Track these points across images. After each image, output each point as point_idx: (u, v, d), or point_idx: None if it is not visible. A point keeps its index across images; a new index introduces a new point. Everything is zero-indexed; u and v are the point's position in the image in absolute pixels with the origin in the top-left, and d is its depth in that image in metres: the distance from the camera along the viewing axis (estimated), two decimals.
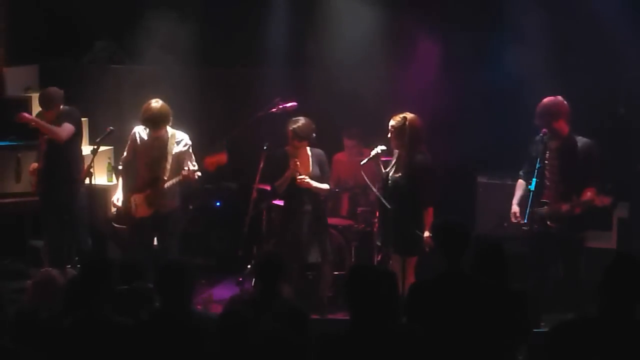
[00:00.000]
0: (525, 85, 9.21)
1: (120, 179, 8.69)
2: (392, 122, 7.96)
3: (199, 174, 8.35)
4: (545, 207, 7.89)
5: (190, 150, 8.44)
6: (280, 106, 8.85)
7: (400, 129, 7.91)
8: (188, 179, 8.27)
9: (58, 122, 8.77)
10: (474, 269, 5.76)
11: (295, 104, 8.88)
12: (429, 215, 7.91)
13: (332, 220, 9.37)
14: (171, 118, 8.35)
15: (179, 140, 8.42)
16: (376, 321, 4.91)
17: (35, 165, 8.99)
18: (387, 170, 8.08)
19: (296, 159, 8.45)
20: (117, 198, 8.52)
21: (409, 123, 7.89)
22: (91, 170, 8.46)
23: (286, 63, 10.29)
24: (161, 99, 8.43)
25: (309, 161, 8.61)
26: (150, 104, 8.29)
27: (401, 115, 7.94)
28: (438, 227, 5.75)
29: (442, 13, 9.92)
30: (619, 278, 4.56)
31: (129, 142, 8.57)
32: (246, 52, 10.54)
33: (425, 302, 5.53)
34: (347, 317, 5.12)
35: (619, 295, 4.55)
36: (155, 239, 8.65)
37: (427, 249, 7.83)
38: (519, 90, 9.26)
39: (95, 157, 8.44)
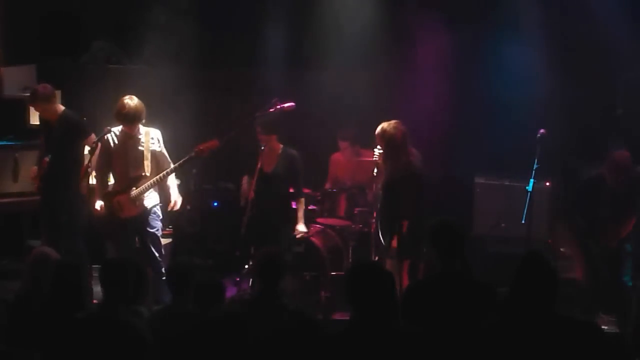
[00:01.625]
0: (523, 85, 9.23)
1: (95, 185, 8.63)
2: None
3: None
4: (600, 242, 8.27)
5: (164, 149, 8.48)
6: (278, 106, 8.85)
7: (379, 138, 7.96)
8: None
9: (61, 127, 8.80)
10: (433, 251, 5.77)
11: (292, 104, 8.87)
12: (402, 227, 7.86)
13: (329, 221, 9.37)
14: (145, 116, 8.34)
15: (154, 137, 8.44)
16: (377, 320, 4.90)
17: (35, 169, 8.97)
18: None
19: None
20: (101, 205, 8.49)
21: (385, 132, 7.91)
22: (88, 170, 8.46)
23: (284, 64, 10.28)
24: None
25: (275, 158, 8.67)
26: (124, 101, 8.26)
27: (381, 125, 7.95)
28: (433, 228, 5.73)
29: (439, 15, 9.91)
30: (530, 276, 4.68)
31: (99, 149, 8.49)
32: (244, 52, 10.53)
33: (422, 302, 5.53)
34: (344, 318, 5.12)
35: (534, 294, 4.66)
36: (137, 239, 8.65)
37: (390, 257, 7.85)
38: (517, 90, 9.28)
39: (93, 157, 8.44)
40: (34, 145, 9.36)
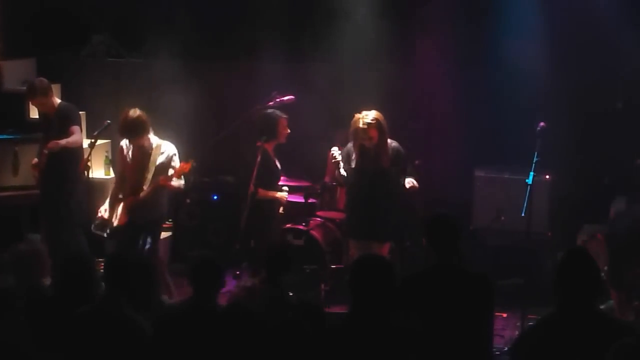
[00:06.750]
0: (523, 78, 9.22)
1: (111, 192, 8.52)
2: (366, 120, 7.91)
3: (182, 182, 8.23)
4: None
5: (176, 160, 8.21)
6: (278, 100, 8.85)
7: (377, 126, 7.89)
8: (165, 184, 8.12)
9: (58, 118, 8.77)
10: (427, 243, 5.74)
11: (292, 97, 8.88)
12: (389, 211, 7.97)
13: (329, 214, 9.39)
14: (149, 128, 8.10)
15: (164, 151, 8.20)
16: (377, 312, 4.89)
17: (36, 160, 8.96)
18: (357, 161, 8.03)
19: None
20: (105, 209, 8.34)
21: (382, 120, 7.90)
22: (88, 164, 8.44)
23: (284, 57, 10.26)
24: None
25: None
26: (127, 113, 8.02)
27: (373, 114, 7.90)
28: (428, 220, 5.74)
29: (441, 7, 9.90)
30: (572, 274, 4.58)
31: (118, 156, 8.49)
32: (244, 45, 10.51)
33: (417, 294, 5.53)
34: (343, 311, 5.11)
35: (575, 291, 4.55)
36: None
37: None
38: (517, 83, 9.27)
39: (93, 150, 8.44)
40: (34, 139, 9.35)
